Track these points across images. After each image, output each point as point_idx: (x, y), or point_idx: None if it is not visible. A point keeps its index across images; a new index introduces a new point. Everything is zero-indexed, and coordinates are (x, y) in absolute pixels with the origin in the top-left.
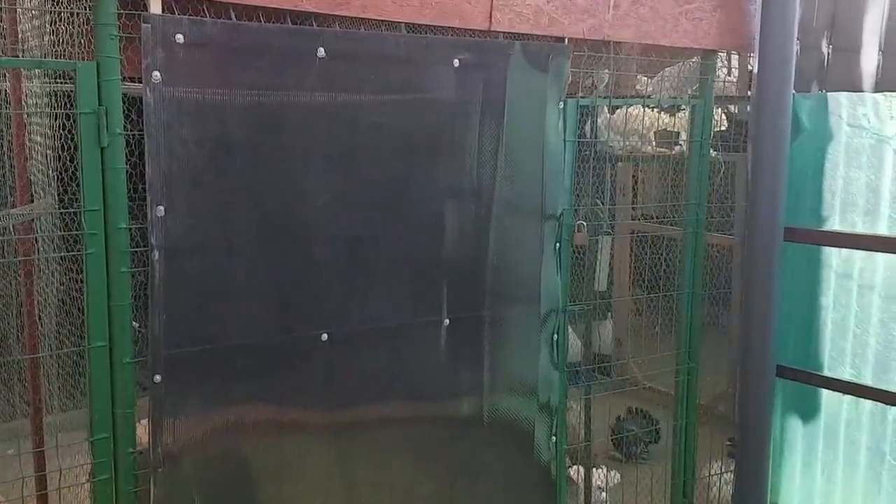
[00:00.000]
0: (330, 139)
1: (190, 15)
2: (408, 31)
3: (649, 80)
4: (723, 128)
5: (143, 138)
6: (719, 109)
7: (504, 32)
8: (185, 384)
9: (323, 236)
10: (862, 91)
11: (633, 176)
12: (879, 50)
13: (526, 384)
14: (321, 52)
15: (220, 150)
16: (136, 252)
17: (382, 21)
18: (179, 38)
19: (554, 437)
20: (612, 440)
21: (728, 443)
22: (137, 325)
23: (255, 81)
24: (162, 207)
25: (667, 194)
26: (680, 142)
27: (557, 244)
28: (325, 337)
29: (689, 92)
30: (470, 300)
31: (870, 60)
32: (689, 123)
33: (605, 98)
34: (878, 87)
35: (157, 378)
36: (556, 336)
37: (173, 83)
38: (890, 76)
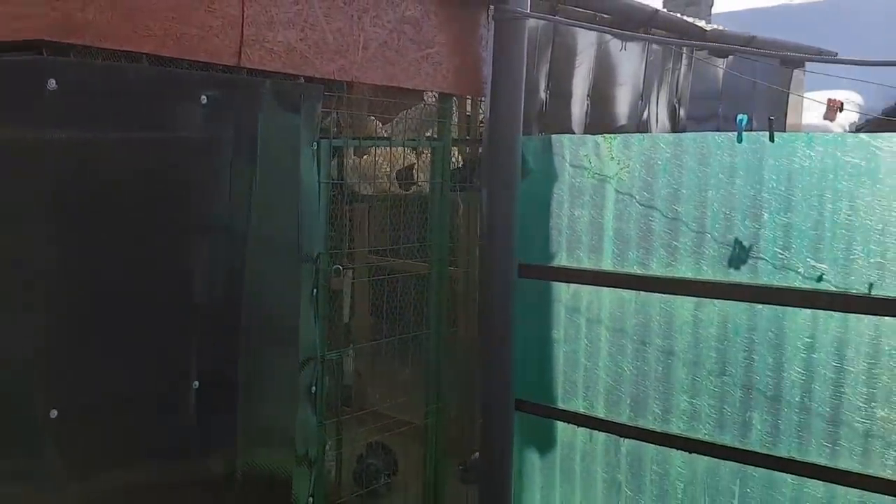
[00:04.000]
0: (59, 184)
1: None
2: (150, 65)
3: (383, 125)
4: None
5: None
6: (455, 149)
7: (255, 70)
8: None
9: (44, 298)
10: (573, 133)
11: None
12: (588, 96)
13: (284, 439)
14: (51, 83)
15: None
16: None
17: (122, 52)
18: None
19: (311, 499)
20: (353, 476)
21: (460, 467)
22: None
23: None
24: None
25: (402, 232)
26: (418, 182)
27: (315, 289)
28: (53, 414)
29: (428, 134)
30: (223, 356)
31: (580, 106)
32: (429, 164)
33: (355, 139)
34: (588, 130)
35: None
36: (314, 388)
37: None
38: (596, 120)
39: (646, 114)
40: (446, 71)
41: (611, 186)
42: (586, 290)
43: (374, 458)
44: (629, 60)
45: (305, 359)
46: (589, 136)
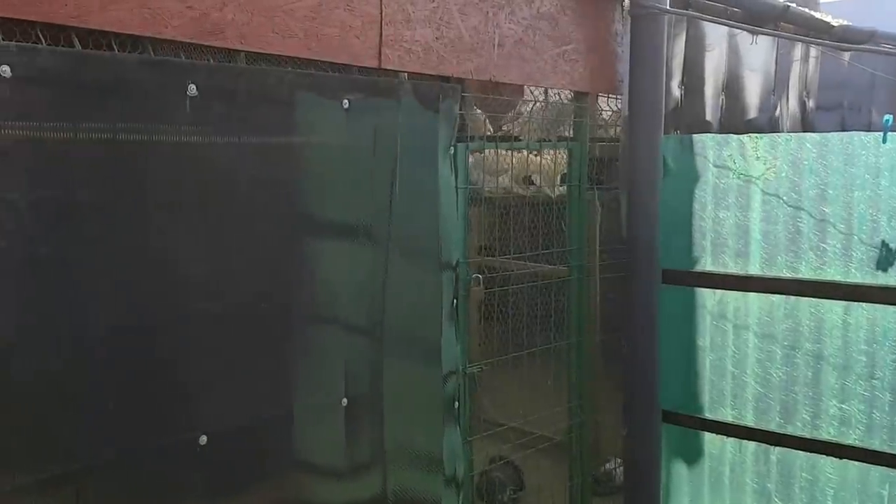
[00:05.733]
0: (204, 195)
1: (19, 41)
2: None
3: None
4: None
5: None
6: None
7: (385, 71)
8: None
9: (197, 315)
10: (708, 130)
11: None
12: (722, 90)
13: (432, 459)
14: (192, 89)
15: (60, 216)
16: None
17: (261, 55)
18: (5, 70)
19: None
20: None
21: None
22: None
23: (108, 126)
24: None
25: (537, 237)
26: (538, 184)
27: (454, 299)
28: (203, 440)
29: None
30: (368, 371)
31: (714, 101)
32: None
33: (491, 141)
34: (723, 126)
35: None
36: (457, 403)
37: None
38: (730, 115)
39: (778, 107)
40: (583, 68)
41: (757, 187)
42: (733, 296)
43: (499, 472)
44: (760, 54)
45: (448, 373)
46: (733, 136)
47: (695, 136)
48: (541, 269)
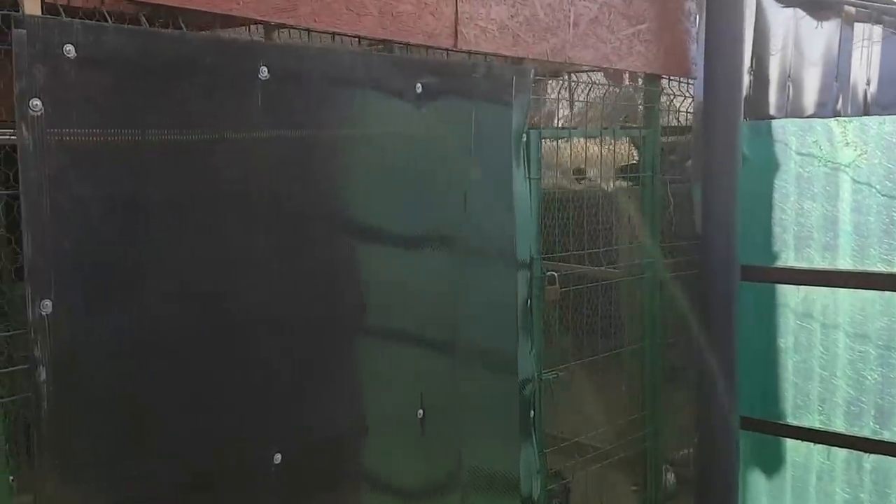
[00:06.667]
0: (280, 190)
1: (84, 18)
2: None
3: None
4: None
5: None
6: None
7: (461, 52)
8: None
9: (274, 322)
10: (774, 117)
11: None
12: (788, 77)
13: (508, 476)
14: (264, 72)
15: (130, 213)
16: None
17: (332, 35)
18: (69, 50)
19: None
20: None
21: (634, 488)
22: (12, 478)
23: (178, 112)
24: (49, 301)
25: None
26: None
27: (529, 300)
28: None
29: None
30: (443, 379)
31: (781, 88)
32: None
33: (564, 129)
34: (790, 114)
35: None
36: (532, 412)
37: (61, 116)
38: (795, 102)
39: (840, 97)
40: (657, 50)
41: (846, 175)
42: (821, 293)
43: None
44: (823, 39)
45: (523, 381)
46: (818, 121)
47: (774, 121)
48: (612, 268)
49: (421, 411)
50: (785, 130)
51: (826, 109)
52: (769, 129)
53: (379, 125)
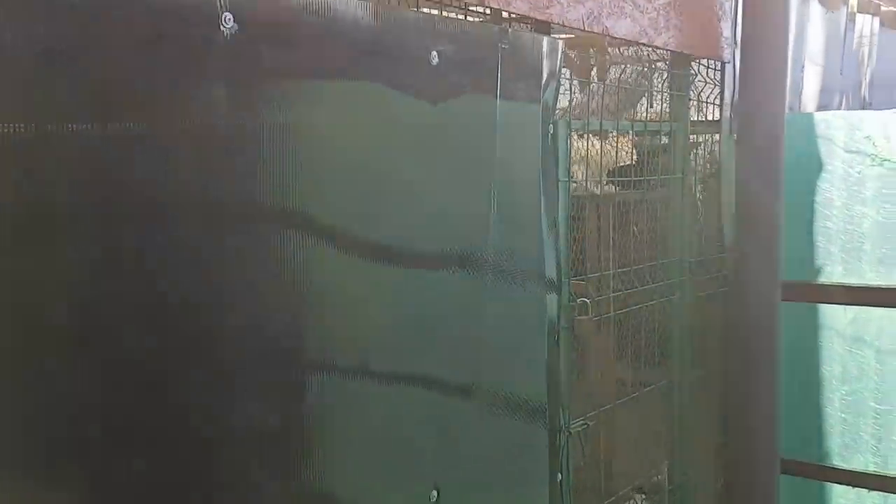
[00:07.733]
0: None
1: None
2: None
3: None
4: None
5: None
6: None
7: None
8: None
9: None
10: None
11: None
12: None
13: None
14: (228, 19)
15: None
16: None
17: None
18: (228, 18)
19: None
20: None
21: None
22: None
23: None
24: None
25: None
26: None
27: (556, 336)
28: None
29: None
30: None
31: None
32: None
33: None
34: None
35: None
36: (560, 474)
37: None
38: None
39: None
40: (689, 26)
41: None
42: (876, 314)
43: None
44: (831, 29)
45: (553, 429)
46: (870, 113)
47: (816, 114)
48: (650, 289)
49: (435, 493)
50: (829, 125)
51: (837, 100)
52: (811, 124)
53: (386, 108)
